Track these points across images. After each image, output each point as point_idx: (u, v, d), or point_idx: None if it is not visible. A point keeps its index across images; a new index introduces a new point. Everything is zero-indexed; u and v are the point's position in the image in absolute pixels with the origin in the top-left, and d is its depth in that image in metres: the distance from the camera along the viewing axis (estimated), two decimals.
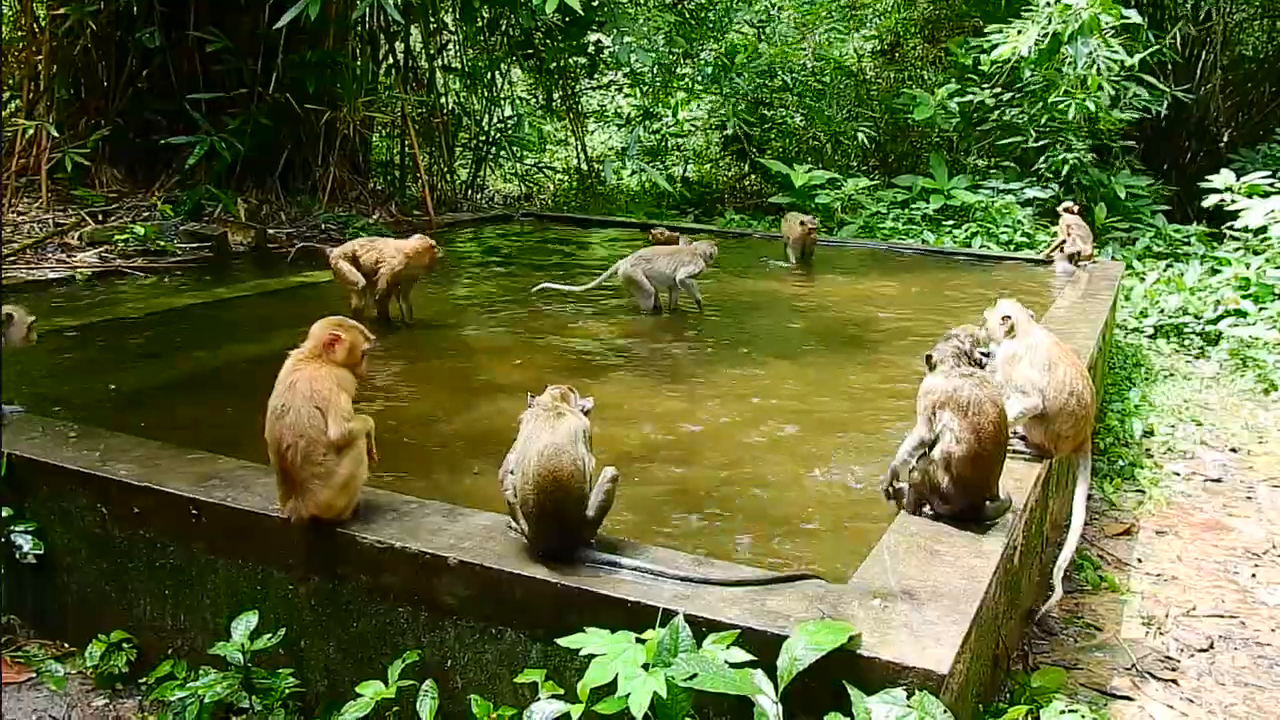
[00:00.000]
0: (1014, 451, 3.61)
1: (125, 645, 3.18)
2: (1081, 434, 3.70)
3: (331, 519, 2.85)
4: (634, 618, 2.45)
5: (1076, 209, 8.23)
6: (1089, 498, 4.32)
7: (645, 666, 2.25)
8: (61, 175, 8.34)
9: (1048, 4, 10.27)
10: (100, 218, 8.19)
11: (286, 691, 2.88)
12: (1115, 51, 10.51)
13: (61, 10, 8.40)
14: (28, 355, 4.25)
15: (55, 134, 8.30)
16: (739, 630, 2.35)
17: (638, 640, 2.32)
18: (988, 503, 3.02)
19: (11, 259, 7.03)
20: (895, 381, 4.98)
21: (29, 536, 3.30)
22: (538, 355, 5.53)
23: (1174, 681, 3.41)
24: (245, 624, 2.83)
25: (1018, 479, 3.36)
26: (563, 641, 2.40)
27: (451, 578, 2.71)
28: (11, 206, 8.11)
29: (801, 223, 8.44)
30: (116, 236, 7.60)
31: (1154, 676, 3.43)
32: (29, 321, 4.03)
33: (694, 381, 5.11)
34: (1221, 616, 3.86)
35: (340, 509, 2.86)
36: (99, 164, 8.82)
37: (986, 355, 3.16)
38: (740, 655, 2.28)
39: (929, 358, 3.14)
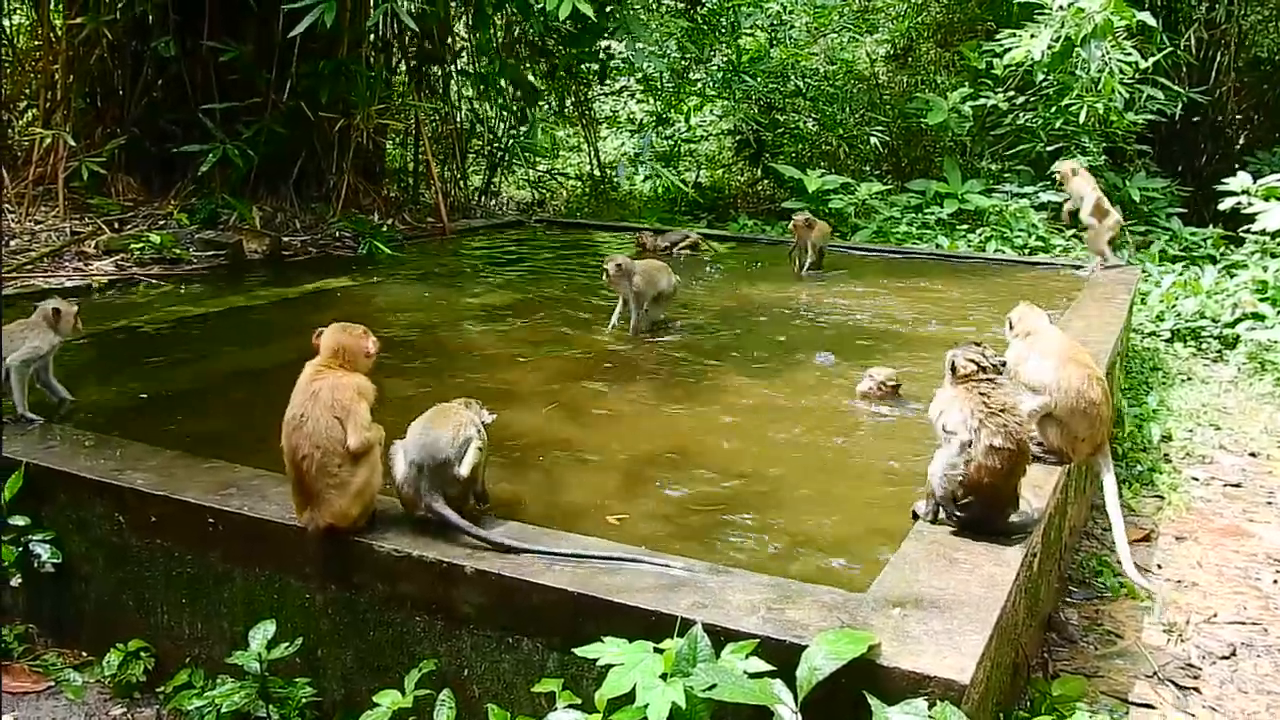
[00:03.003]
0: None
1: (143, 654, 3.19)
2: (1098, 435, 3.67)
3: (347, 527, 2.86)
4: (652, 627, 2.44)
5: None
6: None
7: (663, 676, 2.24)
8: (78, 184, 8.40)
9: (1060, 7, 10.21)
10: (116, 226, 8.23)
11: (303, 701, 2.89)
12: (1129, 54, 10.45)
13: (78, 20, 8.46)
14: None
15: (72, 143, 8.36)
16: (757, 640, 2.34)
17: (656, 650, 2.31)
18: (1012, 516, 2.99)
19: (29, 267, 7.08)
20: (913, 389, 4.96)
21: (47, 545, 3.31)
22: (548, 361, 5.52)
23: (1196, 689, 3.38)
24: (262, 633, 2.84)
25: (1037, 484, 3.33)
26: (580, 651, 2.39)
27: (468, 586, 2.71)
28: (29, 215, 8.17)
29: (807, 221, 8.06)
30: (132, 245, 7.64)
31: (1175, 684, 3.40)
32: (73, 311, 4.09)
33: (706, 389, 5.09)
34: (1243, 623, 3.82)
35: (355, 517, 2.86)
36: (115, 173, 8.87)
37: (1004, 364, 3.14)
38: (759, 665, 2.27)
39: (952, 366, 3.11)
